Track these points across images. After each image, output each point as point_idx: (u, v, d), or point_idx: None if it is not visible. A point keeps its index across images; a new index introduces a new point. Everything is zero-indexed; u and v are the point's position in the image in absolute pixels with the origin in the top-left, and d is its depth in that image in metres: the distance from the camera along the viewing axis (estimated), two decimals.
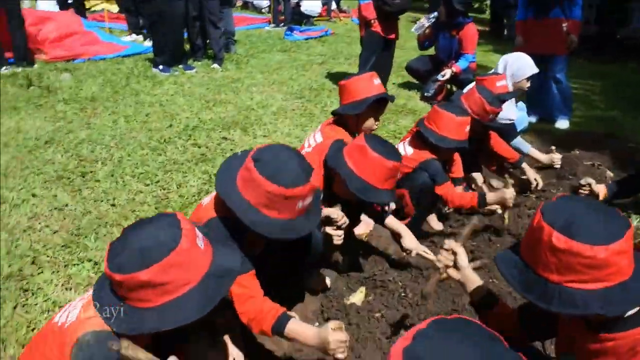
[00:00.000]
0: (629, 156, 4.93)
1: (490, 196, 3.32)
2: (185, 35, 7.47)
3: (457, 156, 3.66)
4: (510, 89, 4.64)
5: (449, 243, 1.99)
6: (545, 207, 1.53)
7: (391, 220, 2.98)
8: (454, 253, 1.98)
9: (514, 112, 4.69)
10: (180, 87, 6.23)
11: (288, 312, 2.08)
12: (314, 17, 11.87)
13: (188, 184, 3.83)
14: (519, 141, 4.68)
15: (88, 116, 5.12)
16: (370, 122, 3.18)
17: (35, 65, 6.64)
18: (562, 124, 6.04)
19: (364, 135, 2.65)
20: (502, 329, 1.34)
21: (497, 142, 4.11)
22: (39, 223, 3.25)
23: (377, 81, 3.17)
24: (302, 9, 11.41)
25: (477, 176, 4.52)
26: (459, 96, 3.84)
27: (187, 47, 7.61)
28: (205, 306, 1.55)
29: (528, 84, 4.65)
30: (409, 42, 9.26)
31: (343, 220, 2.57)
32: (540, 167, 4.71)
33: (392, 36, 5.94)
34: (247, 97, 5.89)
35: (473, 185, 4.42)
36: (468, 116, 3.34)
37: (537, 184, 4.00)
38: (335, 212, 2.55)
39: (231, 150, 4.42)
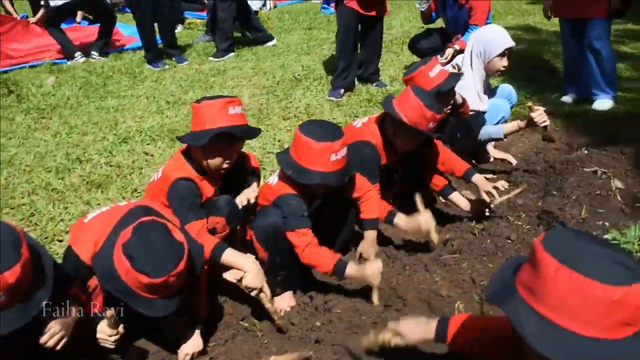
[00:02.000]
0: None
1: (352, 271, 2.40)
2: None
3: (372, 191, 2.74)
4: (481, 73, 3.60)
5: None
6: None
7: (229, 254, 2.33)
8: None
9: (482, 101, 3.62)
10: (159, 84, 5.77)
11: None
12: None
13: (63, 216, 3.35)
14: (486, 130, 3.58)
15: (34, 129, 4.82)
16: (217, 161, 2.50)
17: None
18: (602, 104, 4.73)
19: (144, 221, 1.94)
20: None
21: (445, 156, 3.13)
22: None
23: (234, 110, 2.47)
24: None
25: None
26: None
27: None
28: None
29: (504, 62, 3.58)
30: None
31: (111, 338, 2.02)
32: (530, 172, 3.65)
33: (373, 13, 4.89)
34: (213, 94, 5.23)
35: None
36: (337, 139, 2.41)
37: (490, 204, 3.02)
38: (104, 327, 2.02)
39: (141, 169, 3.86)
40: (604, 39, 4.58)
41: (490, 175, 3.77)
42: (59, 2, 6.57)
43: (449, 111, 3.29)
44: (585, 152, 3.85)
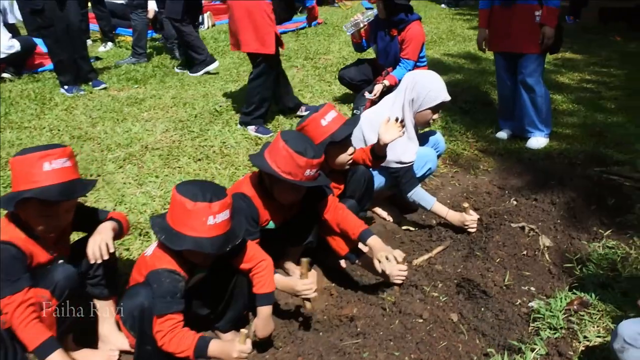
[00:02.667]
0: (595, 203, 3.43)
1: (215, 349, 2.09)
2: None
3: (265, 261, 2.39)
4: (410, 120, 3.28)
5: None
6: None
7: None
8: None
9: (409, 151, 3.29)
10: (68, 113, 5.25)
11: None
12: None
13: None
14: (418, 193, 3.31)
15: None
16: (40, 227, 2.13)
17: None
18: (536, 142, 4.55)
19: None
20: None
21: (341, 216, 2.74)
22: None
23: (50, 165, 2.05)
24: None
25: (291, 267, 3.05)
26: None
27: None
28: None
29: (435, 116, 3.29)
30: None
31: None
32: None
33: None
34: (124, 128, 4.78)
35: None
36: (217, 200, 2.07)
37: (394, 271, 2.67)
38: None
39: None
40: (537, 75, 4.41)
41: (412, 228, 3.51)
42: None
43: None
44: (515, 203, 3.62)
